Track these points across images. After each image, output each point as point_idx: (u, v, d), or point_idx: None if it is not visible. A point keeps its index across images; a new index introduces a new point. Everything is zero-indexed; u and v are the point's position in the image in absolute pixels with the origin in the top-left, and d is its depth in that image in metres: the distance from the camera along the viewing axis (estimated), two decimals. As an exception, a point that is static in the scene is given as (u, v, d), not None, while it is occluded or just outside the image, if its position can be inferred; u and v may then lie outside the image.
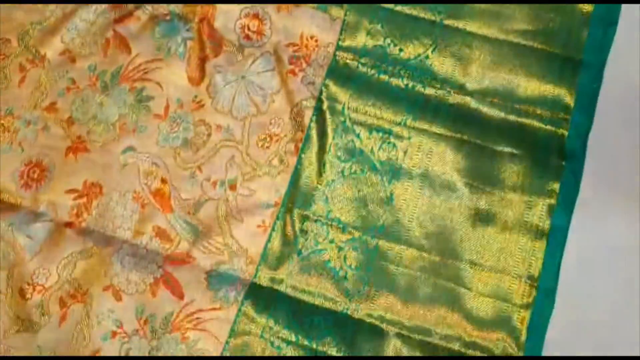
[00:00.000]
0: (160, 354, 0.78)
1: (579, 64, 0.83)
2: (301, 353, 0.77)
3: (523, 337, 0.77)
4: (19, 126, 0.89)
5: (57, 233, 0.84)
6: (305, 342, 0.77)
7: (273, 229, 0.82)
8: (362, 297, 0.79)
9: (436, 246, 0.80)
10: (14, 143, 0.89)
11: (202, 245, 0.83)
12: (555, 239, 0.79)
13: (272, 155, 0.85)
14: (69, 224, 0.85)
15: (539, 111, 0.83)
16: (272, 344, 0.78)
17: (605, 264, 0.80)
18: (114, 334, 0.80)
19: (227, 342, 0.78)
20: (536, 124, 0.83)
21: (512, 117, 0.83)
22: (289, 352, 0.77)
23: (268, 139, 0.86)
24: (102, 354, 0.79)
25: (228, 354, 0.78)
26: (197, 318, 0.79)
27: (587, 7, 0.85)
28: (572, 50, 0.84)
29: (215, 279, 0.81)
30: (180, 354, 0.78)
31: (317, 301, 0.80)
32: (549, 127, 0.82)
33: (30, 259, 0.83)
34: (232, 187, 0.85)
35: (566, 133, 0.82)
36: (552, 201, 0.80)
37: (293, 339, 0.78)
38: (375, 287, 0.79)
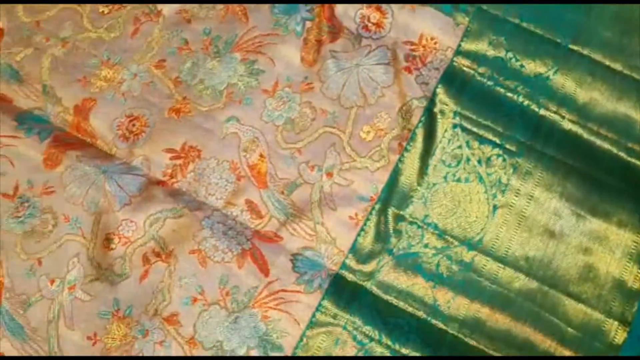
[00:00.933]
0: (238, 327, 0.77)
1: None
2: (384, 351, 0.75)
3: None
4: (124, 77, 0.89)
5: (148, 190, 0.84)
6: (389, 342, 0.75)
7: (365, 224, 0.81)
8: (449, 307, 0.77)
9: (534, 270, 0.77)
10: (117, 93, 0.88)
11: (291, 227, 0.82)
12: None
13: (373, 149, 0.84)
14: (161, 182, 0.84)
15: None
16: (354, 337, 0.76)
17: None
18: (195, 299, 0.78)
19: (307, 328, 0.76)
20: None
21: (622, 155, 0.81)
22: (372, 348, 0.75)
23: (372, 132, 0.85)
24: (180, 318, 0.78)
25: (306, 341, 0.76)
26: (281, 298, 0.78)
27: None
28: None
29: (301, 262, 0.80)
30: (258, 332, 0.77)
31: (402, 304, 0.78)
32: None
33: (118, 209, 0.82)
34: (329, 174, 0.84)
35: None
36: None
37: (376, 336, 0.76)
38: (465, 300, 0.77)
